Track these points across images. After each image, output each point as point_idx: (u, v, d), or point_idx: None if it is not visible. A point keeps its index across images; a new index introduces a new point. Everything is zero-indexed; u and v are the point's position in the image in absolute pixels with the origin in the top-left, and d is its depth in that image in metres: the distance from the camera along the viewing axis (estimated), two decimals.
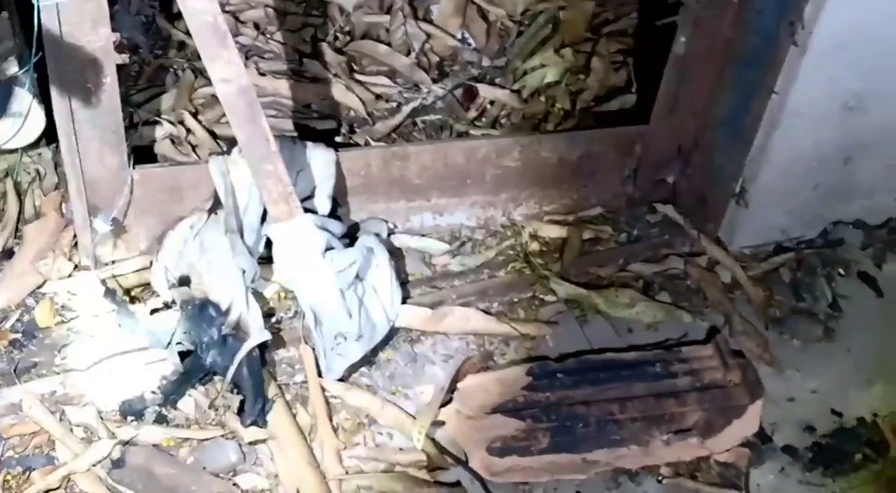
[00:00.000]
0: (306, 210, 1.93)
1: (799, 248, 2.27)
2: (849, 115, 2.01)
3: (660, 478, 1.86)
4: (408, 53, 2.61)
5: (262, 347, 1.90)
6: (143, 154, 2.14)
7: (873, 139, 2.08)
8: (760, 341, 2.09)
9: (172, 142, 2.34)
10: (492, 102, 2.53)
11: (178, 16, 2.53)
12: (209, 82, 1.94)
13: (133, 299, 2.00)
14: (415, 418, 1.89)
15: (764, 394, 1.94)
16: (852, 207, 2.25)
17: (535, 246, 2.23)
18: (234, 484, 1.77)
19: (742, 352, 2.05)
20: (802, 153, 2.07)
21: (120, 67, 1.85)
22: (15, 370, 1.87)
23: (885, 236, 2.32)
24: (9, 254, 2.07)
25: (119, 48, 1.81)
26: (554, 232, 2.26)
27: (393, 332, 2.00)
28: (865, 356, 2.10)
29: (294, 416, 1.87)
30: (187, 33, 2.32)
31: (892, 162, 2.16)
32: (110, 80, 1.84)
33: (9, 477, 1.74)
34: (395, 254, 2.15)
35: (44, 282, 2.02)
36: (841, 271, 2.25)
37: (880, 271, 2.28)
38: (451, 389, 1.93)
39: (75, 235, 2.04)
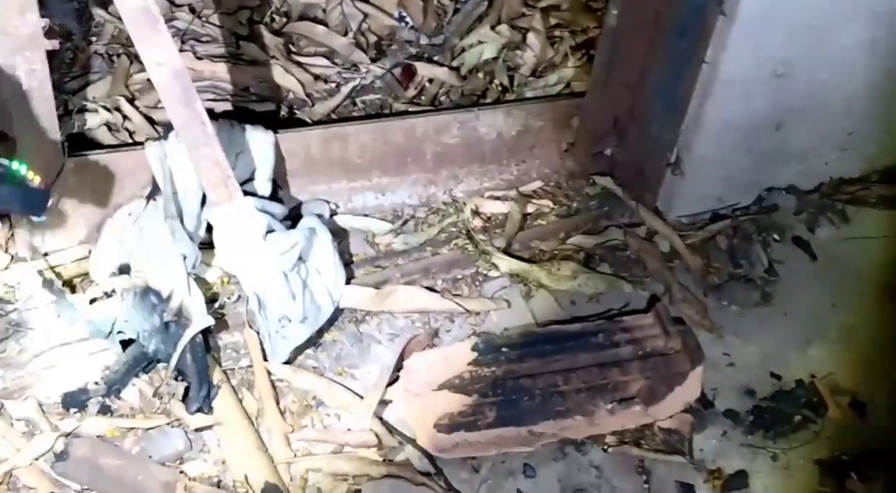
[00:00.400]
0: (246, 193, 1.91)
1: (735, 215, 2.30)
2: (778, 82, 2.04)
3: (605, 447, 1.88)
4: (345, 33, 2.59)
5: (206, 332, 1.88)
6: (79, 142, 2.11)
7: (802, 105, 2.12)
8: (700, 308, 2.12)
9: (109, 129, 2.31)
10: (430, 80, 2.52)
11: (111, 0, 2.49)
12: (144, 67, 1.92)
13: (72, 290, 1.97)
14: (362, 398, 1.89)
15: (704, 360, 1.96)
16: (785, 172, 2.29)
17: (476, 222, 2.24)
18: (182, 472, 1.76)
19: (682, 319, 2.08)
20: (735, 121, 2.09)
21: (52, 54, 1.81)
22: None
23: (818, 201, 2.36)
24: None
25: (49, 34, 1.78)
26: (495, 208, 2.26)
27: (337, 313, 2.00)
28: (802, 319, 2.15)
29: (240, 401, 1.86)
30: (120, 18, 2.29)
31: (822, 127, 2.20)
32: (41, 67, 1.80)
33: None
34: (338, 235, 2.14)
35: None
36: (776, 236, 2.29)
37: (813, 235, 2.32)
38: (398, 367, 1.93)
39: (11, 226, 2.01)
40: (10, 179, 1.41)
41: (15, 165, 1.41)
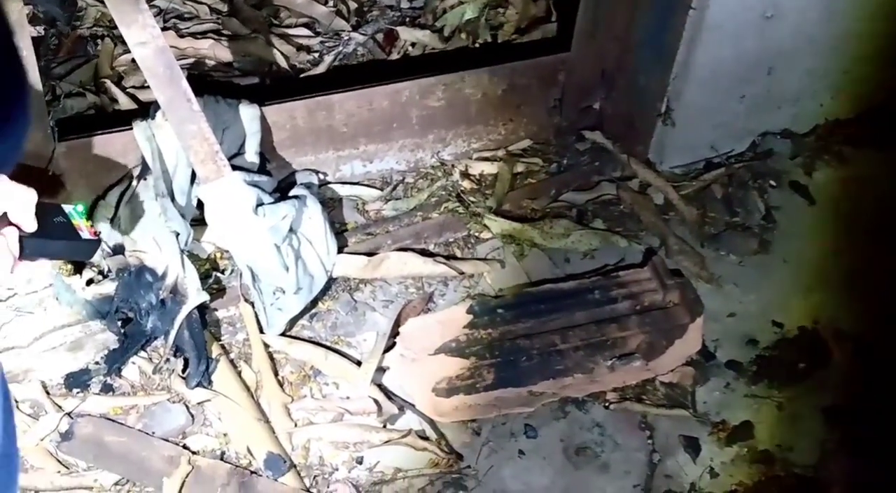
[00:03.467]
0: (235, 167, 1.90)
1: (729, 162, 2.27)
2: (767, 24, 1.99)
3: (607, 404, 1.86)
4: (325, 2, 2.57)
5: (202, 308, 1.89)
6: (69, 126, 2.11)
7: (793, 47, 2.07)
8: (697, 260, 2.09)
9: (98, 111, 2.31)
10: (413, 44, 2.49)
11: None
12: (129, 49, 1.93)
13: (68, 272, 1.98)
14: (359, 365, 1.88)
15: (703, 312, 1.94)
16: (779, 117, 2.24)
17: (466, 184, 2.22)
18: (185, 446, 1.77)
19: (680, 272, 2.05)
20: (725, 66, 2.05)
21: (37, 41, 1.81)
22: None
23: (814, 144, 2.31)
24: None
25: (33, 21, 1.78)
26: (484, 168, 2.24)
27: (331, 282, 2.00)
28: (802, 265, 2.11)
29: (239, 374, 1.87)
30: (103, 1, 2.29)
31: (814, 68, 2.15)
32: (26, 54, 1.80)
33: None
34: (329, 204, 2.13)
35: None
36: (772, 182, 2.25)
37: (811, 178, 2.28)
38: (394, 334, 1.93)
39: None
40: (66, 232, 1.42)
41: (75, 219, 1.43)
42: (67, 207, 1.38)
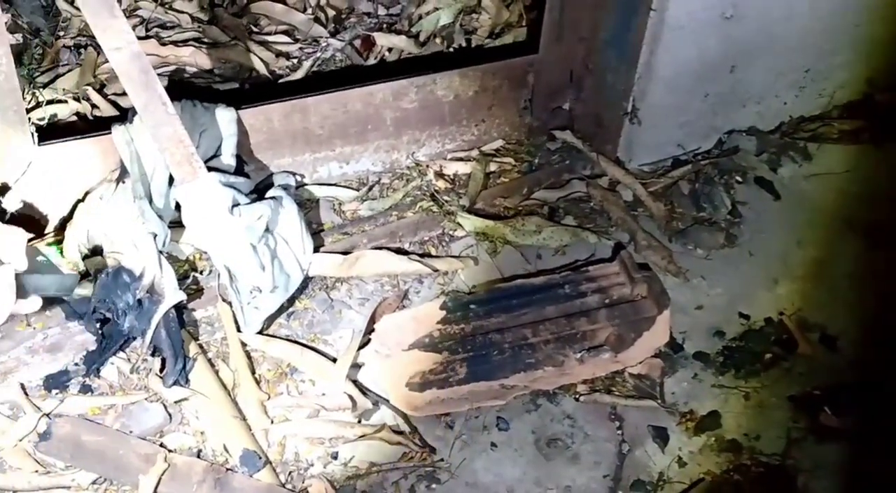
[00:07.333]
0: (211, 169, 1.94)
1: (696, 160, 2.31)
2: (728, 24, 2.03)
3: (577, 396, 1.89)
4: (304, 10, 2.62)
5: (180, 308, 1.92)
6: (51, 132, 2.15)
7: (754, 46, 2.11)
8: (665, 254, 2.13)
9: (80, 118, 2.35)
10: (389, 50, 2.54)
11: None
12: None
13: None
14: (335, 362, 1.91)
15: (670, 304, 1.97)
16: (744, 114, 2.28)
17: (440, 184, 2.26)
18: (162, 445, 1.79)
19: (647, 265, 2.09)
20: (688, 66, 2.09)
21: (20, 49, 1.83)
22: None
23: (779, 140, 2.36)
24: None
25: (15, 30, 1.80)
26: (458, 168, 2.28)
27: (307, 281, 2.03)
28: (767, 258, 2.15)
29: (216, 372, 1.89)
30: None
31: (776, 67, 2.20)
32: (6, 61, 1.84)
33: None
34: (306, 205, 2.17)
35: None
36: (738, 178, 2.29)
37: (776, 174, 2.32)
38: (369, 331, 1.95)
39: None
40: (50, 269, 1.48)
41: (54, 257, 1.49)
42: (45, 249, 1.44)
